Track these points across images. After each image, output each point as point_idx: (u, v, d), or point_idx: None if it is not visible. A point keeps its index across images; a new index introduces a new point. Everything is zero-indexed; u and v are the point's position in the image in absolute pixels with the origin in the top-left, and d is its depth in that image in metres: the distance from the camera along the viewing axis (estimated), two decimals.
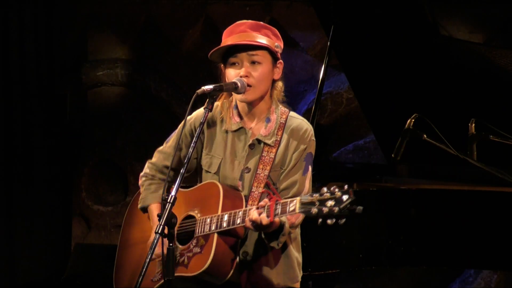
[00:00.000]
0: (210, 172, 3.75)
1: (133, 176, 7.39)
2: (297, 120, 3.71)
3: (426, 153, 5.12)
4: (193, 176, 3.84)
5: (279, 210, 3.38)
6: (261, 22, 3.69)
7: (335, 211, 3.14)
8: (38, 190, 7.06)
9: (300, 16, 7.07)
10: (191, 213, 3.72)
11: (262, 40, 3.62)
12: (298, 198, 3.29)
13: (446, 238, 4.92)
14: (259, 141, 3.68)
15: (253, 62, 3.63)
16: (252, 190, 3.62)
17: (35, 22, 7.04)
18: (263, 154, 3.66)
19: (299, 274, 3.73)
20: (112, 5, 7.36)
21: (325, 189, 3.20)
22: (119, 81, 7.46)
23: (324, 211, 3.16)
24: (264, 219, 3.41)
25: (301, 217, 3.56)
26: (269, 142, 3.66)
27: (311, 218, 3.20)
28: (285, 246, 3.66)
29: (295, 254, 3.71)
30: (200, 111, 3.78)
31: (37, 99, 7.06)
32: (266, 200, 3.45)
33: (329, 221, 3.15)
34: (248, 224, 3.47)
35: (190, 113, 3.66)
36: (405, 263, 4.98)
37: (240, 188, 3.65)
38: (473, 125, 5.08)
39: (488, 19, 6.32)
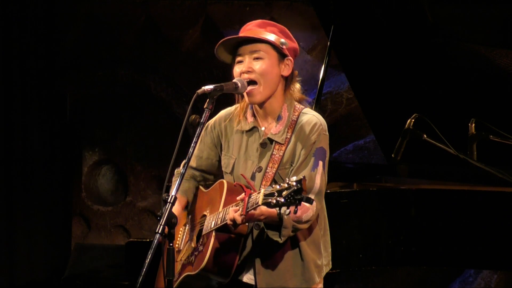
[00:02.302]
0: (227, 173, 3.76)
1: (133, 176, 7.40)
2: (308, 115, 3.65)
3: (426, 153, 5.12)
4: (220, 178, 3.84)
5: (250, 203, 3.37)
6: (271, 21, 3.68)
7: (281, 201, 3.21)
8: (38, 190, 7.07)
9: (300, 16, 7.07)
10: (204, 212, 3.75)
11: (265, 35, 3.61)
12: (262, 190, 3.30)
13: (446, 238, 4.92)
14: (270, 140, 3.66)
15: (255, 58, 3.62)
16: (261, 189, 3.61)
17: (35, 22, 7.05)
18: (274, 153, 3.63)
19: (317, 276, 3.67)
20: (112, 5, 7.36)
21: (287, 179, 3.25)
22: (119, 81, 7.47)
23: (280, 201, 3.22)
24: (237, 217, 3.41)
25: (310, 212, 3.54)
26: (279, 140, 3.63)
27: (272, 208, 3.26)
28: (299, 249, 3.64)
29: (312, 256, 3.66)
30: (221, 113, 3.82)
31: (37, 99, 7.07)
32: (243, 194, 3.44)
33: (287, 210, 3.24)
34: (229, 221, 3.47)
35: (190, 113, 3.65)
36: (405, 263, 4.98)
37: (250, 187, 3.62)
38: (473, 125, 5.07)
39: (488, 19, 6.31)
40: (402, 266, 5.08)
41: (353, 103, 6.96)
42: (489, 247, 4.88)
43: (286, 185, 3.23)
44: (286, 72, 3.67)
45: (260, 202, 3.28)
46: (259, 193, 3.32)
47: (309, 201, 3.28)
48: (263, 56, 3.61)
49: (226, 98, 3.81)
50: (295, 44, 3.70)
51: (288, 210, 3.25)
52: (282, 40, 3.63)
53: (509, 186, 4.87)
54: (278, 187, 3.25)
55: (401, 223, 4.94)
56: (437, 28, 5.22)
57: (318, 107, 5.29)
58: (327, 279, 3.81)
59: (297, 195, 3.21)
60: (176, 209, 3.59)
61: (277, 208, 3.27)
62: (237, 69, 3.64)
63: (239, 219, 3.41)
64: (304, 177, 3.23)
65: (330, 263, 3.78)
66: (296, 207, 3.22)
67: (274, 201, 3.24)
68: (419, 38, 5.30)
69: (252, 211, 3.40)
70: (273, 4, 7.14)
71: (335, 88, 7.13)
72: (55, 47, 7.27)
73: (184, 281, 3.69)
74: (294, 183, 3.22)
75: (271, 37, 3.62)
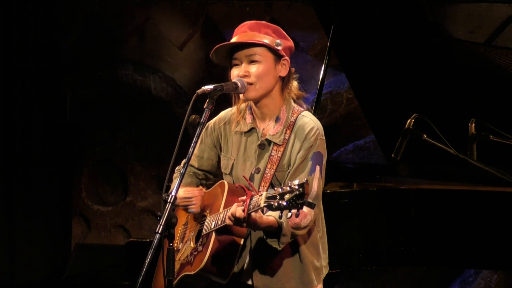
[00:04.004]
0: (226, 174, 3.77)
1: (133, 176, 7.40)
2: (306, 119, 3.67)
3: (426, 153, 5.12)
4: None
5: (252, 205, 3.37)
6: (263, 22, 3.68)
7: (283, 204, 3.21)
8: (38, 190, 7.06)
9: (300, 16, 7.06)
10: (204, 212, 3.75)
11: (260, 38, 3.62)
12: (264, 193, 3.30)
13: (446, 238, 4.92)
14: (268, 141, 3.67)
15: (251, 61, 3.63)
16: (259, 190, 3.61)
17: (35, 22, 7.05)
18: (272, 154, 3.64)
19: (315, 279, 3.68)
20: (112, 5, 7.36)
21: (289, 182, 3.25)
22: (119, 81, 7.47)
23: (282, 205, 3.22)
24: (239, 211, 3.40)
25: (308, 218, 3.54)
26: (277, 141, 3.64)
27: (274, 210, 3.26)
28: (297, 251, 3.65)
29: (311, 258, 3.67)
30: (221, 114, 3.83)
31: (37, 99, 7.07)
32: (245, 196, 3.44)
33: (289, 214, 3.23)
34: (228, 220, 3.47)
35: (190, 113, 3.66)
36: (405, 263, 4.98)
37: (251, 189, 3.62)
38: (473, 125, 5.08)
39: (488, 19, 6.32)
40: (402, 266, 5.08)
41: (353, 103, 6.95)
42: (489, 247, 4.88)
43: (288, 188, 3.23)
44: (284, 72, 3.68)
45: (262, 205, 3.29)
46: (261, 195, 3.32)
47: (311, 205, 3.28)
48: (259, 59, 3.62)
49: (226, 98, 3.82)
50: (290, 43, 3.71)
51: (290, 214, 3.25)
52: (277, 41, 3.64)
53: (509, 186, 4.87)
54: (280, 190, 3.25)
55: (401, 223, 4.94)
56: (437, 28, 5.22)
57: (318, 107, 5.29)
58: (327, 279, 3.81)
59: (299, 199, 3.21)
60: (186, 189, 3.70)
61: (279, 212, 3.27)
62: (234, 72, 3.65)
63: (241, 214, 3.40)
64: (306, 180, 3.22)
65: (328, 265, 3.78)
66: (298, 210, 3.22)
67: (276, 204, 3.24)
68: (419, 38, 5.30)
69: (254, 214, 3.40)
70: (273, 4, 7.14)
71: (335, 88, 7.13)
72: (55, 47, 7.27)
73: (183, 280, 3.70)
74: (297, 187, 3.21)
75: (266, 39, 3.63)
